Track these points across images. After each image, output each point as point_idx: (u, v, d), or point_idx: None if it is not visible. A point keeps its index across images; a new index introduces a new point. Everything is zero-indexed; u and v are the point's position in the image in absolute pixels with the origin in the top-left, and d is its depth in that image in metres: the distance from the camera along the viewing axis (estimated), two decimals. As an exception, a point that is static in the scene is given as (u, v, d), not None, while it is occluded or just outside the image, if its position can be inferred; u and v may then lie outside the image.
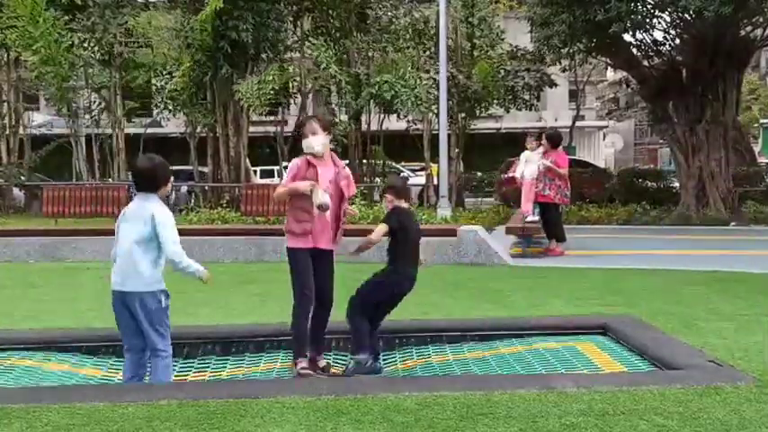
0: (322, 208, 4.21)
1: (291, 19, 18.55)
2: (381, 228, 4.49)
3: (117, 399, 3.50)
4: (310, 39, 17.70)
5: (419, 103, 15.49)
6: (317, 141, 4.39)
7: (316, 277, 4.40)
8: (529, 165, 10.00)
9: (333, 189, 4.40)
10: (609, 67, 29.50)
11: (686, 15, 14.92)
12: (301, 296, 4.38)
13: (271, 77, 15.40)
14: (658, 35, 17.16)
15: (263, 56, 16.82)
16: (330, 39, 18.33)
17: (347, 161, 19.47)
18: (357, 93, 16.44)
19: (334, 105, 20.30)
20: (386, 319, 5.69)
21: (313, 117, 4.77)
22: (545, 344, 4.83)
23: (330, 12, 18.69)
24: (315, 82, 17.35)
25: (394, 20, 17.98)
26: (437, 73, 15.98)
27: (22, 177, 19.09)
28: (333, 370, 4.57)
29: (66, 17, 16.83)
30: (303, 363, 4.36)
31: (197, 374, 4.60)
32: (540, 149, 9.87)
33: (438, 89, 14.70)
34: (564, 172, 9.74)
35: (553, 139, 9.88)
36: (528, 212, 9.99)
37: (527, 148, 10.21)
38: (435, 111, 15.99)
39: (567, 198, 10.14)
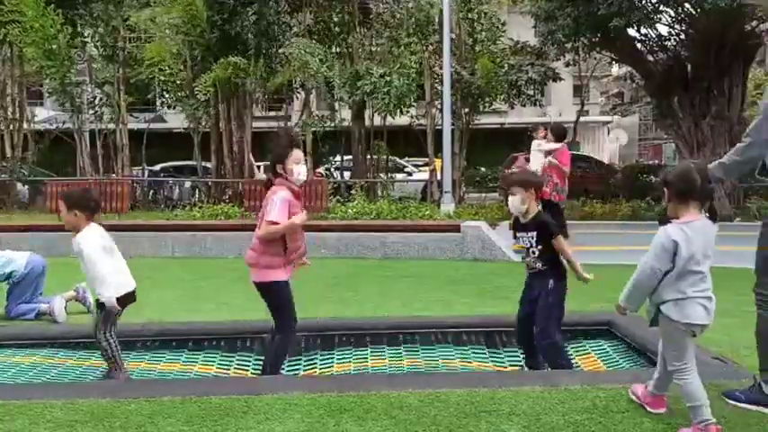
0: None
1: (288, 12, 18.45)
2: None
3: (119, 395, 3.50)
4: (291, 39, 17.51)
5: (391, 103, 15.36)
6: (305, 171, 4.20)
7: None
8: (535, 155, 10.01)
9: None
10: (613, 62, 29.39)
11: (690, 9, 14.85)
12: (292, 331, 4.21)
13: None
14: (663, 30, 17.11)
15: (264, 51, 16.79)
16: (330, 34, 18.25)
17: (350, 156, 19.56)
18: (354, 89, 16.33)
19: (335, 101, 20.25)
20: (386, 316, 5.70)
21: (297, 143, 4.34)
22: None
23: (330, 6, 18.65)
24: (310, 78, 17.22)
25: (396, 14, 17.89)
26: (433, 68, 15.99)
27: (24, 173, 19.10)
28: None
29: (68, 11, 16.81)
30: None
31: (202, 368, 4.61)
32: (545, 141, 9.89)
33: (441, 84, 14.68)
34: (566, 170, 9.73)
35: (558, 132, 9.89)
36: None
37: (534, 138, 10.23)
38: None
39: (564, 194, 10.07)
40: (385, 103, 15.30)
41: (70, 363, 4.66)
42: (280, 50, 17.05)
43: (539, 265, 4.24)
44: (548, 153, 9.71)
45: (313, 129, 17.48)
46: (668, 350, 3.12)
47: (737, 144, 3.36)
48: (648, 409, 3.24)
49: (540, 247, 4.20)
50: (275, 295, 4.10)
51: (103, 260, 3.99)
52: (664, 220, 3.09)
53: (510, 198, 4.29)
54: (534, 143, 10.12)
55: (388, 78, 15.27)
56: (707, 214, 3.07)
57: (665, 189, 3.10)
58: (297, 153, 4.14)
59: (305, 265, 4.32)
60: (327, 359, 4.82)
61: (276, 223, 3.94)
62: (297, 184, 4.11)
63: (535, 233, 4.21)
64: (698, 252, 2.99)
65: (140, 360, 4.77)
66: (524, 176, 4.43)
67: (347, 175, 20.02)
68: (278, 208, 3.97)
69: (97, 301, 4.08)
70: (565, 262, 4.20)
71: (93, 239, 4.01)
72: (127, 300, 4.10)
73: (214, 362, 4.78)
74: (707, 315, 3.05)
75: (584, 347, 4.91)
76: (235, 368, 4.74)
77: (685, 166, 3.14)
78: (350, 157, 19.72)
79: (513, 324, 5.10)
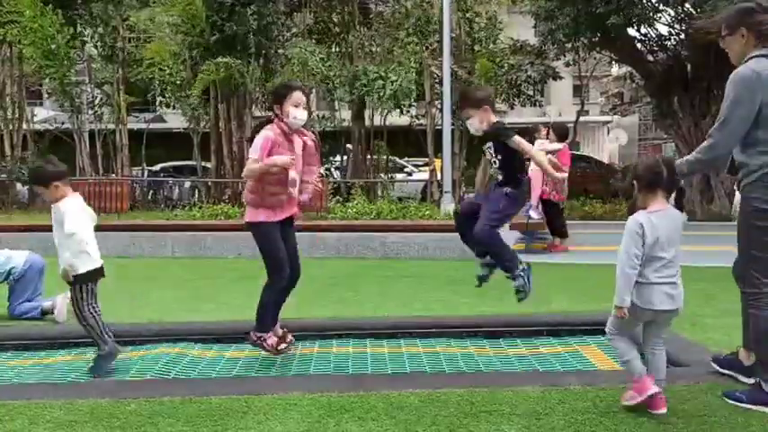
0: (293, 184, 4.13)
1: (287, 13, 18.45)
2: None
3: (119, 395, 3.50)
4: (291, 39, 17.47)
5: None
6: (303, 115, 4.12)
7: (286, 246, 4.23)
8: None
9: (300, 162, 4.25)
10: (613, 62, 29.37)
11: (690, 9, 14.85)
12: (279, 279, 4.22)
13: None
14: (663, 30, 17.09)
15: (265, 51, 16.80)
16: (330, 33, 18.21)
17: (347, 157, 19.57)
18: (352, 88, 16.32)
19: (335, 100, 20.25)
20: (389, 316, 5.70)
21: (300, 87, 4.31)
22: (548, 348, 4.81)
23: (330, 6, 18.65)
24: (311, 78, 17.24)
25: (396, 14, 17.89)
26: (430, 68, 15.91)
27: (23, 173, 19.09)
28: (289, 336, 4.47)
29: (67, 11, 16.81)
30: (272, 338, 4.29)
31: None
32: (547, 140, 9.89)
33: (441, 84, 14.67)
34: (566, 170, 9.72)
35: (560, 132, 9.89)
36: (534, 203, 10.00)
37: (537, 138, 10.25)
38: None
39: (564, 194, 10.04)
40: (380, 97, 15.29)
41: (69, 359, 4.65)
42: (279, 51, 17.06)
43: (500, 176, 4.28)
44: (549, 153, 9.70)
45: (312, 130, 17.49)
46: (616, 320, 3.29)
47: (702, 143, 3.38)
48: (649, 410, 3.23)
49: (499, 157, 4.22)
50: (259, 236, 4.13)
51: (86, 225, 4.14)
52: (631, 210, 3.31)
53: (468, 123, 4.32)
54: (537, 143, 10.11)
55: (383, 74, 15.26)
56: (674, 203, 3.29)
57: (635, 182, 3.29)
58: (297, 95, 4.07)
59: (310, 194, 4.36)
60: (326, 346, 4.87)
61: (255, 159, 3.94)
62: (292, 128, 4.05)
63: (491, 143, 4.24)
64: (662, 237, 3.18)
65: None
66: (472, 95, 4.40)
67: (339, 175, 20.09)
68: (256, 146, 3.97)
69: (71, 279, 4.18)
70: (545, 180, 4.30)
71: (77, 205, 4.16)
72: (97, 275, 4.24)
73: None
74: (671, 301, 3.21)
75: (587, 342, 4.90)
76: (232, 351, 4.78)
77: (652, 159, 3.40)
78: (345, 157, 19.77)
79: (515, 324, 5.12)
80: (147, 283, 7.70)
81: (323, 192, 12.81)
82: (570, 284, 7.18)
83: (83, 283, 4.17)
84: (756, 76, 3.17)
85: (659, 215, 3.20)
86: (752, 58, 3.24)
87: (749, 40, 3.28)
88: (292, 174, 4.11)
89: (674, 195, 3.31)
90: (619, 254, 3.22)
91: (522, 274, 4.24)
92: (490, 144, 4.23)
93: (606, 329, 3.39)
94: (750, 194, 3.25)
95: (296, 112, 4.04)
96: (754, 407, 3.24)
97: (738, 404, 3.28)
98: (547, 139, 9.93)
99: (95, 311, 4.21)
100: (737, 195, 3.50)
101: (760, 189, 3.20)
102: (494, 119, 4.24)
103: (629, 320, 3.26)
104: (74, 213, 4.11)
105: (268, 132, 4.01)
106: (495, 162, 4.24)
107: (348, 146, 19.19)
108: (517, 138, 4.16)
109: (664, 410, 3.21)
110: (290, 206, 4.23)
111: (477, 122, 4.21)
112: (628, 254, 3.17)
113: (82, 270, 4.15)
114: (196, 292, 7.01)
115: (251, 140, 4.19)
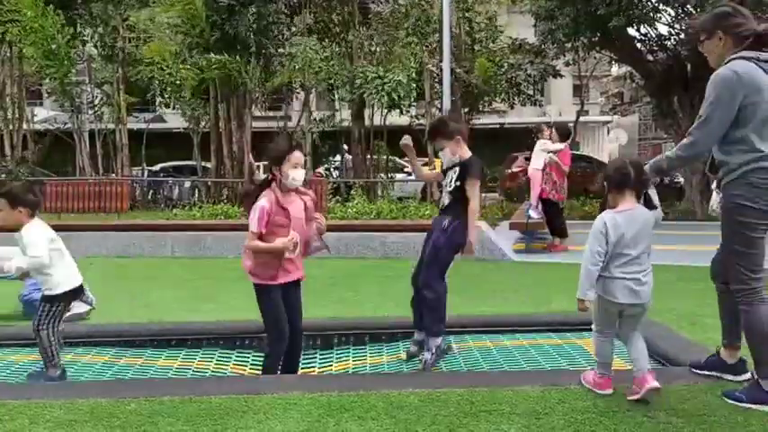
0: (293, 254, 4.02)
1: (287, 14, 18.47)
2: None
3: (119, 395, 3.50)
4: (291, 39, 17.49)
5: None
6: (301, 175, 3.99)
7: (287, 307, 4.03)
8: (539, 155, 9.99)
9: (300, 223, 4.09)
10: (613, 62, 29.39)
11: (691, 9, 14.83)
12: (278, 343, 3.99)
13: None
14: (663, 30, 17.09)
15: (264, 51, 16.80)
16: (330, 33, 18.20)
17: (350, 156, 19.56)
18: (352, 87, 16.32)
19: (336, 100, 20.25)
20: (388, 315, 5.70)
21: (299, 145, 4.18)
22: (549, 340, 4.82)
23: (330, 6, 18.65)
24: (313, 77, 17.22)
25: (396, 13, 17.89)
26: (428, 66, 15.90)
27: (23, 173, 19.10)
28: None
29: (67, 11, 16.82)
30: None
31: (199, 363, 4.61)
32: (550, 141, 9.88)
33: (440, 83, 14.68)
34: (566, 169, 9.73)
35: (563, 131, 9.89)
36: (534, 203, 10.00)
37: (539, 138, 10.24)
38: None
39: (564, 193, 10.03)
40: (377, 93, 15.29)
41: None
42: (281, 50, 17.05)
43: (446, 200, 4.30)
44: (551, 152, 9.71)
45: (312, 132, 17.52)
46: (596, 314, 3.46)
47: (682, 140, 3.41)
48: (596, 390, 3.40)
49: (457, 183, 4.25)
50: (259, 299, 4.01)
51: (46, 246, 4.05)
52: (602, 209, 3.45)
53: (441, 154, 4.40)
54: (539, 143, 10.12)
55: (380, 74, 15.27)
56: (643, 203, 3.39)
57: (605, 183, 3.43)
58: (296, 155, 3.97)
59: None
60: (326, 359, 4.82)
61: (255, 233, 3.85)
62: (289, 188, 3.96)
63: (458, 169, 4.28)
64: (627, 235, 3.31)
65: (139, 356, 4.78)
66: (444, 127, 4.39)
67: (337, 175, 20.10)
68: (254, 218, 3.87)
69: (43, 295, 4.14)
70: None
71: (38, 228, 4.09)
72: (75, 295, 4.24)
73: (212, 359, 4.77)
74: (634, 296, 3.31)
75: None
76: (233, 364, 4.74)
77: (620, 160, 3.54)
78: (340, 157, 19.74)
79: (515, 324, 5.11)
80: (147, 282, 7.71)
81: (323, 192, 12.82)
82: (570, 284, 7.12)
83: (57, 303, 4.10)
84: (737, 78, 3.21)
85: (625, 215, 3.32)
86: (732, 59, 3.27)
87: (727, 42, 3.32)
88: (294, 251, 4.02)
89: (644, 195, 3.41)
90: (584, 251, 3.36)
91: (437, 352, 4.18)
92: (456, 169, 4.26)
93: (594, 328, 3.52)
94: (731, 192, 3.30)
95: (294, 174, 3.93)
96: (753, 406, 3.24)
97: (738, 404, 3.28)
98: (549, 139, 9.93)
99: (53, 333, 4.07)
100: (714, 195, 3.57)
101: (741, 186, 3.25)
102: (467, 153, 4.28)
103: (606, 314, 3.40)
104: (36, 239, 4.02)
105: (264, 204, 3.88)
106: (449, 185, 4.27)
107: (344, 146, 19.18)
108: (478, 184, 4.22)
109: (609, 391, 3.38)
110: (293, 267, 4.08)
111: (449, 153, 4.26)
112: (591, 251, 3.33)
113: (57, 291, 4.08)
114: (196, 292, 7.02)
115: (246, 199, 4.10)
